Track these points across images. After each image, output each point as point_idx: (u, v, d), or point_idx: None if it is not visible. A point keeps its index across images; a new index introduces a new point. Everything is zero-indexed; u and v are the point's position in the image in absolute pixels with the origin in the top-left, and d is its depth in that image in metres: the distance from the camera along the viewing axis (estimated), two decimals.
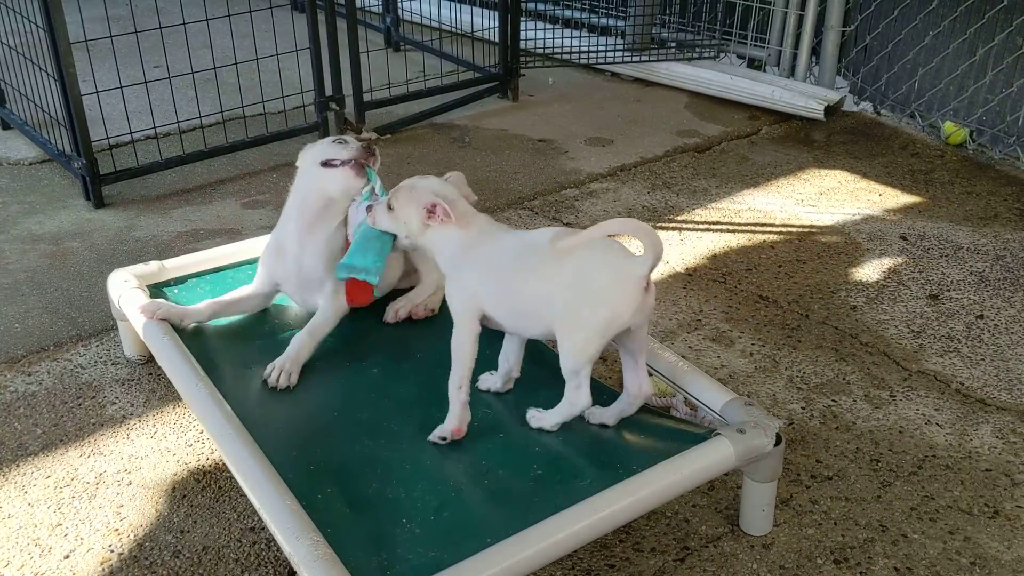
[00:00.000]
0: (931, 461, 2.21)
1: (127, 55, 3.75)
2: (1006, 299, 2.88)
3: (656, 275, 2.99)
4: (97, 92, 3.42)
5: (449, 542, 1.65)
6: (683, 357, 2.14)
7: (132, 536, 1.98)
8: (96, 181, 3.42)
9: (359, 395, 2.10)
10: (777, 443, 1.87)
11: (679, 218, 3.39)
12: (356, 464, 1.88)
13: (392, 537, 1.67)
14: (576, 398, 1.87)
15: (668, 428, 1.97)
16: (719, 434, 1.85)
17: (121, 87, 3.50)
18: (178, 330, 2.25)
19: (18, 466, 2.18)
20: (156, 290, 2.44)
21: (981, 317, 2.79)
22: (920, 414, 2.37)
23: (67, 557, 1.93)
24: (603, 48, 4.88)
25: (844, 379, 2.50)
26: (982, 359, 2.59)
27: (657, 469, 1.77)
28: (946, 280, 2.99)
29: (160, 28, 3.54)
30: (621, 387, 2.43)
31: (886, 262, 3.10)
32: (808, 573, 1.90)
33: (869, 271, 3.04)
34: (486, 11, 4.95)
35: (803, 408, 2.39)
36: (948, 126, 4.05)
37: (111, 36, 3.41)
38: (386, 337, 2.31)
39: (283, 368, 2.11)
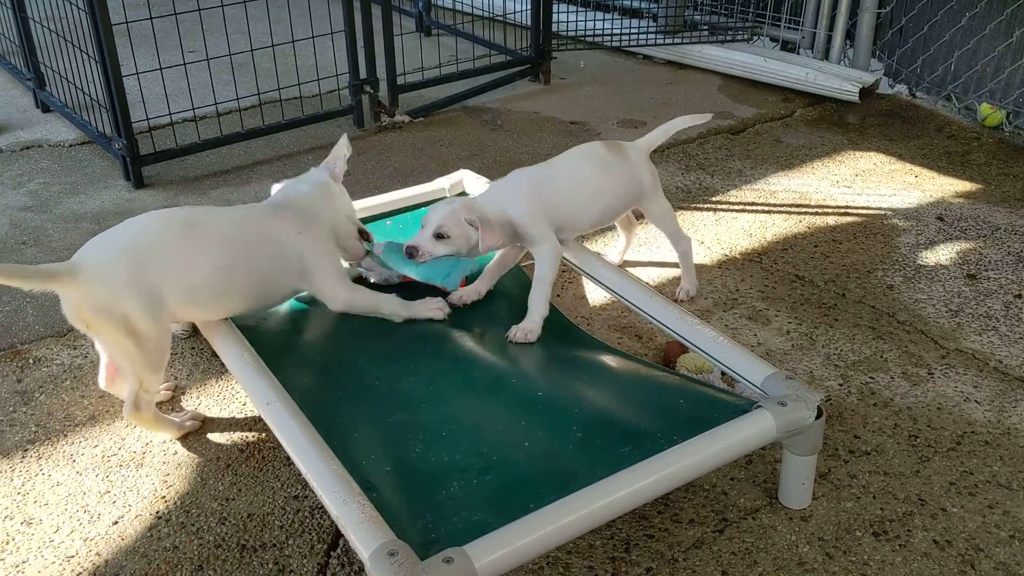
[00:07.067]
0: (970, 437, 2.21)
1: (165, 38, 3.79)
2: None
3: (692, 255, 3.00)
4: (137, 74, 3.46)
5: (492, 506, 1.67)
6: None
7: (178, 503, 2.02)
8: (136, 162, 3.47)
9: (399, 362, 2.13)
10: (818, 416, 1.87)
11: (714, 199, 3.39)
12: (399, 429, 1.91)
13: (436, 500, 1.69)
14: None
15: (709, 399, 1.98)
16: (760, 406, 1.86)
17: (160, 69, 3.55)
18: None
19: (66, 436, 2.23)
20: None
21: (1019, 296, 2.77)
22: (958, 391, 2.36)
23: (116, 523, 1.98)
24: (635, 31, 4.87)
25: (881, 357, 2.50)
26: (1021, 337, 2.58)
27: (698, 440, 1.78)
28: (983, 260, 2.97)
29: (199, 11, 3.58)
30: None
31: (923, 242, 3.08)
32: (847, 545, 1.91)
33: (906, 251, 3.03)
34: None
35: (840, 385, 2.39)
36: (984, 108, 4.01)
37: (151, 18, 3.44)
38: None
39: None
